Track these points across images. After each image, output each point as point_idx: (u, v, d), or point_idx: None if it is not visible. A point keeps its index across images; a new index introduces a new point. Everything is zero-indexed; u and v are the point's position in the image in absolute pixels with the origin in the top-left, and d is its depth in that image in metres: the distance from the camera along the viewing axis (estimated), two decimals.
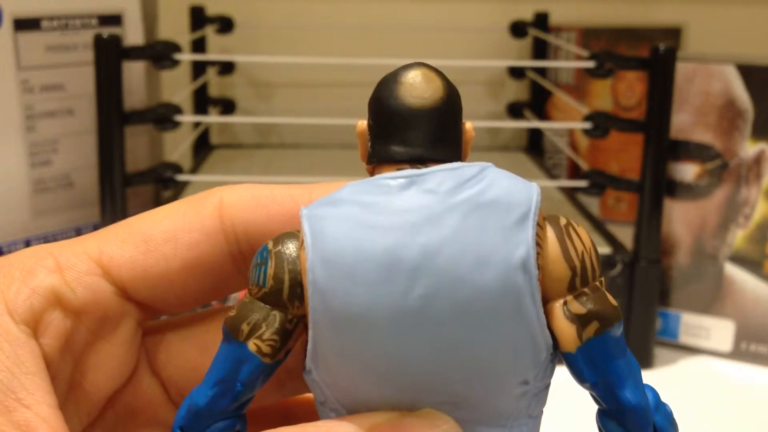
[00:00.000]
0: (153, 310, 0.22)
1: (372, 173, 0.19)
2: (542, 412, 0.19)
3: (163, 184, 0.59)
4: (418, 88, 0.18)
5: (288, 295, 0.18)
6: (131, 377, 0.22)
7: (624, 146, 0.82)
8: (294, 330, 0.19)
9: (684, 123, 0.58)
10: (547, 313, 0.18)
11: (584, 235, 0.18)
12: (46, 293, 0.20)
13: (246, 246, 0.21)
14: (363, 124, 0.19)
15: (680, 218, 0.59)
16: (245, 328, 0.19)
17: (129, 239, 0.21)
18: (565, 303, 0.18)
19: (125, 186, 0.57)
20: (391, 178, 0.18)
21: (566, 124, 0.84)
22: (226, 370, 0.19)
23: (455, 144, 0.19)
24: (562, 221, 0.18)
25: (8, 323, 0.19)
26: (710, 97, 0.61)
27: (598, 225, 0.65)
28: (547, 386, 0.19)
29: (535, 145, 0.86)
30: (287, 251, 0.18)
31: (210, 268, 0.21)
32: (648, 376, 0.24)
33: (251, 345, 0.18)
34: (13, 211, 0.60)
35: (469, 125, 0.19)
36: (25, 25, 0.58)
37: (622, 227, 0.64)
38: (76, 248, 0.21)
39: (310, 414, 0.23)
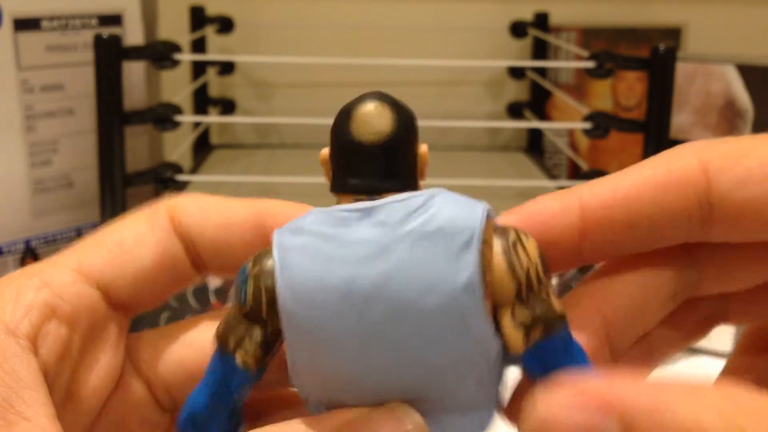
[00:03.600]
0: (131, 310, 0.24)
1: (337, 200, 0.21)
2: (500, 393, 0.21)
3: (163, 184, 0.59)
4: (368, 123, 0.20)
5: (266, 313, 0.20)
6: (119, 383, 0.24)
7: (624, 146, 0.82)
8: (275, 342, 0.21)
9: (684, 123, 0.58)
10: (498, 319, 0.20)
11: (531, 249, 0.20)
12: (41, 307, 0.21)
13: (199, 245, 0.24)
14: (325, 152, 0.21)
15: None
16: (232, 341, 0.21)
17: (102, 246, 0.23)
18: (512, 311, 0.20)
19: (125, 186, 0.57)
20: (347, 211, 0.20)
21: (566, 124, 0.84)
22: (219, 380, 0.21)
23: (407, 172, 0.21)
24: (511, 237, 0.20)
25: (7, 341, 0.20)
26: (710, 97, 0.61)
27: None
28: (501, 375, 0.21)
29: (535, 145, 0.86)
30: (264, 273, 0.20)
31: (173, 264, 0.23)
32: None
33: (238, 359, 0.21)
34: (13, 211, 0.60)
35: (423, 149, 0.21)
36: (25, 25, 0.58)
37: None
38: (56, 264, 0.22)
39: (283, 409, 0.25)
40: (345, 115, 0.20)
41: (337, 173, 0.21)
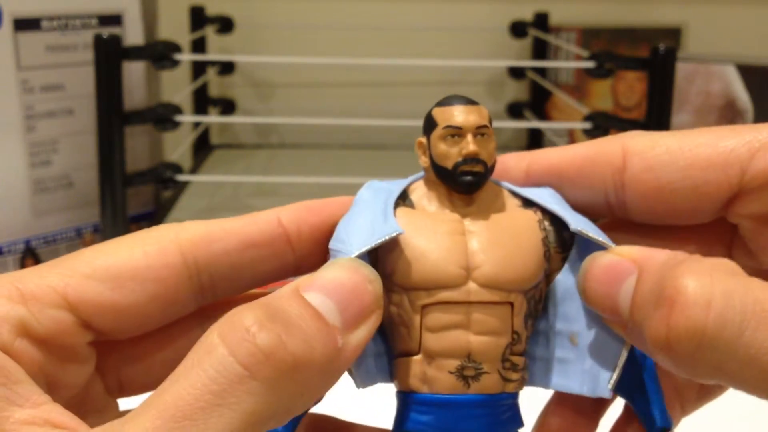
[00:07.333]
0: (110, 335, 0.23)
1: None
2: None
3: (163, 184, 0.59)
4: None
5: None
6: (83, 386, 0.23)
7: None
8: None
9: (684, 123, 0.58)
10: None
11: None
12: (15, 322, 0.20)
13: (205, 278, 0.23)
14: None
15: None
16: None
17: (94, 275, 0.22)
18: None
19: (125, 186, 0.57)
20: None
21: (566, 124, 0.84)
22: None
23: None
24: None
25: None
26: (710, 97, 0.61)
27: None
28: None
29: (535, 145, 0.86)
30: None
31: (172, 298, 0.23)
32: None
33: None
34: (13, 211, 0.60)
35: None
36: (25, 25, 0.58)
37: None
38: (41, 281, 0.21)
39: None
40: None
41: None
